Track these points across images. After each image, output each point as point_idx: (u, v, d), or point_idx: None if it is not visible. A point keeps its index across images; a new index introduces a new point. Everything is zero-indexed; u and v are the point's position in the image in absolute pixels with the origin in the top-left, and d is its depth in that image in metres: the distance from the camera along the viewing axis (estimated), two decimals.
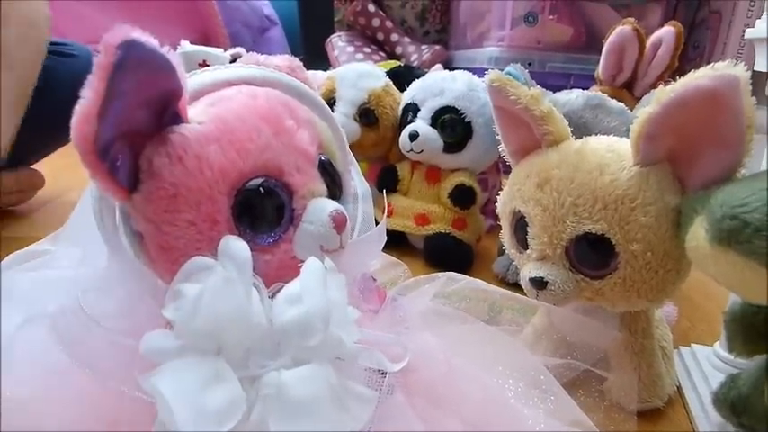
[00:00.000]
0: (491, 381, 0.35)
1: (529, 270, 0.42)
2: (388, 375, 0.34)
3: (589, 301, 0.43)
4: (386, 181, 0.84)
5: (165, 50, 0.29)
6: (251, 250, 0.31)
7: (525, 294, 0.45)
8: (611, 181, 0.39)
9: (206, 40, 1.67)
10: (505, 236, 0.48)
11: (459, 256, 0.78)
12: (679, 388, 0.54)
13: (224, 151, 0.32)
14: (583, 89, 0.73)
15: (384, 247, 0.87)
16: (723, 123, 0.36)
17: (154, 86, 0.30)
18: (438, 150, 0.78)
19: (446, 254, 0.78)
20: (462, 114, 0.76)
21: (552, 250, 0.41)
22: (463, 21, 1.79)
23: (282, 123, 0.35)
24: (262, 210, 0.33)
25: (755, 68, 0.49)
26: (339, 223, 0.34)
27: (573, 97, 0.63)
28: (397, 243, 0.83)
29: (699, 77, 0.35)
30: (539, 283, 0.42)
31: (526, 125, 0.46)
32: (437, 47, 1.85)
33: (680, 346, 0.59)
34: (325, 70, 0.97)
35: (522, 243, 0.44)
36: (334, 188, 0.37)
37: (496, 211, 0.49)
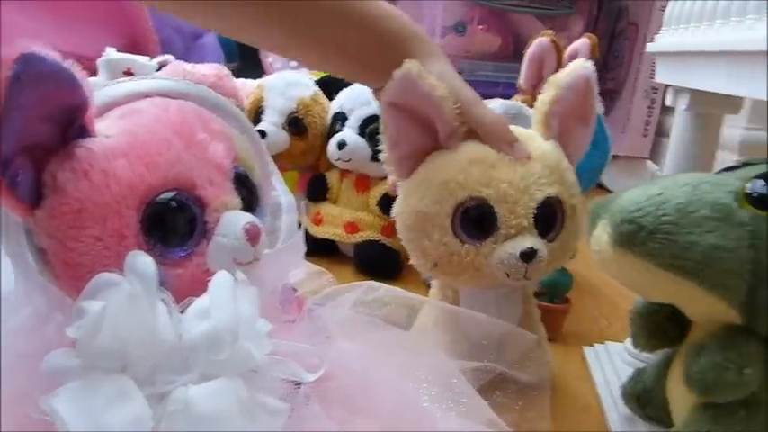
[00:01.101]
0: (406, 386, 0.36)
1: (512, 247, 0.42)
2: (303, 385, 0.34)
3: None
4: (315, 189, 0.84)
5: (67, 64, 0.29)
6: (162, 264, 0.31)
7: None
8: (547, 150, 0.46)
9: (135, 46, 1.61)
10: (440, 238, 0.44)
11: (388, 263, 0.79)
12: (594, 383, 0.56)
13: (132, 165, 0.31)
14: (509, 97, 0.76)
15: (314, 256, 0.87)
16: (587, 103, 0.46)
17: (56, 100, 0.29)
18: (366, 159, 0.78)
19: (376, 261, 0.79)
20: None
21: (528, 221, 0.43)
22: None
23: (195, 136, 0.34)
24: (173, 223, 0.33)
25: (657, 80, 0.52)
26: (252, 236, 0.34)
27: (496, 106, 0.65)
28: (327, 251, 0.84)
29: (576, 67, 0.46)
30: (530, 255, 0.42)
31: (425, 126, 0.45)
32: None
33: (595, 344, 0.62)
34: (260, 78, 0.96)
35: (479, 231, 0.43)
36: (251, 200, 0.37)
37: (399, 224, 0.48)
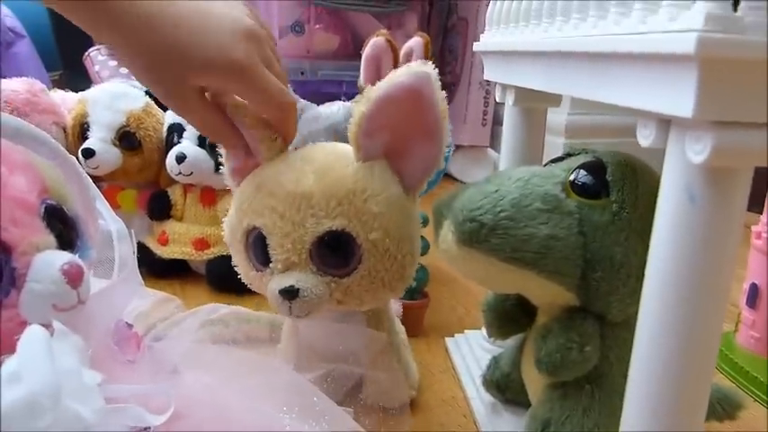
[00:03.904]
0: (265, 411, 0.34)
1: (276, 283, 0.40)
2: (152, 430, 0.31)
3: (339, 306, 0.43)
4: (157, 207, 0.79)
5: None
6: None
7: None
8: (339, 177, 0.40)
9: None
10: (239, 262, 0.45)
11: None
12: (456, 374, 0.58)
13: None
14: (357, 95, 0.76)
15: (164, 278, 0.81)
16: (422, 115, 0.40)
17: None
18: (209, 171, 0.75)
19: (230, 277, 0.75)
20: None
21: (297, 256, 0.40)
22: None
23: None
24: None
25: (484, 77, 0.54)
26: (73, 277, 0.30)
27: (335, 110, 0.65)
28: (177, 271, 0.79)
29: (399, 75, 0.39)
30: (290, 293, 0.40)
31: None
32: None
33: (455, 334, 0.64)
34: (89, 87, 0.88)
35: (262, 260, 0.42)
36: (69, 236, 0.33)
37: (224, 239, 0.46)
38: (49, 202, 0.33)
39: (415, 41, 0.86)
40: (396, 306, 0.63)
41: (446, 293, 0.78)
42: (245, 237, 0.43)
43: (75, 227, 0.35)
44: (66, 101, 0.86)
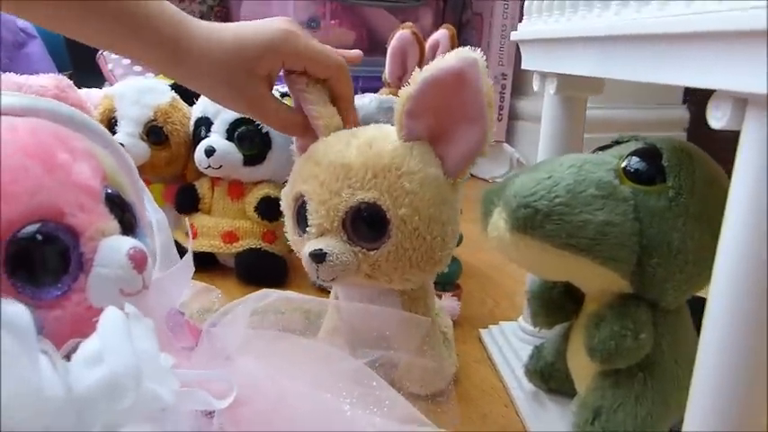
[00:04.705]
0: (324, 396, 0.34)
1: (308, 246, 0.42)
2: (216, 414, 0.31)
3: (369, 281, 0.44)
4: (185, 201, 0.79)
5: None
6: (36, 308, 0.27)
7: None
8: (379, 152, 0.42)
9: None
10: (288, 228, 0.48)
11: (273, 269, 0.76)
12: (494, 364, 0.58)
13: None
14: (372, 91, 0.76)
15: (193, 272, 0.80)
16: (467, 99, 0.40)
17: None
18: (237, 164, 0.75)
19: (259, 269, 0.76)
20: (259, 125, 0.74)
21: (330, 223, 0.42)
22: None
23: (55, 158, 0.30)
24: (41, 260, 0.28)
25: (522, 67, 0.53)
26: (139, 262, 0.30)
27: (367, 102, 0.64)
28: (206, 264, 0.79)
29: (446, 60, 0.40)
30: (318, 257, 0.42)
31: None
32: None
33: (489, 326, 0.64)
34: (100, 87, 0.88)
35: (303, 226, 0.44)
36: (127, 222, 0.34)
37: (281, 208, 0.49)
38: (109, 189, 0.33)
39: (442, 34, 0.86)
40: (452, 304, 0.64)
41: (475, 286, 0.78)
42: (293, 202, 0.46)
43: (133, 214, 0.35)
44: (91, 97, 0.86)
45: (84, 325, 0.29)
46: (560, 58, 0.46)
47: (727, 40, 0.26)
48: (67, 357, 0.25)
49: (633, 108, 1.36)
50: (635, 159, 0.39)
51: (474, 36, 1.58)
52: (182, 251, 0.82)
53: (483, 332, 0.63)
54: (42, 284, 0.28)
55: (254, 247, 0.76)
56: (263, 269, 0.76)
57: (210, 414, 0.31)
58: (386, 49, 0.87)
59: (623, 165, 0.39)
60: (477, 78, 0.39)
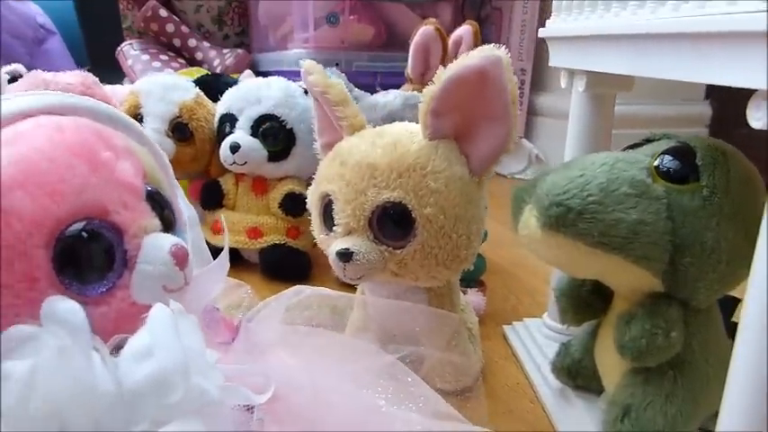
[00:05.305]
0: (360, 392, 0.35)
1: (336, 245, 0.43)
2: (256, 409, 0.32)
3: (395, 279, 0.45)
4: (210, 197, 0.80)
5: None
6: (83, 304, 0.27)
7: None
8: (404, 152, 0.42)
9: None
10: (315, 226, 0.48)
11: (297, 265, 0.77)
12: (519, 361, 0.58)
13: (33, 197, 0.27)
14: (391, 87, 0.76)
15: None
16: (492, 97, 0.40)
17: None
18: (262, 160, 0.75)
19: (284, 265, 0.76)
20: (283, 121, 0.75)
21: (356, 222, 0.42)
22: (263, 23, 1.76)
23: (98, 156, 0.31)
24: (88, 257, 0.29)
25: (550, 64, 0.53)
26: (181, 259, 0.31)
27: (392, 98, 0.65)
28: (230, 260, 0.79)
29: (470, 58, 0.40)
30: (345, 256, 0.42)
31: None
32: (240, 50, 1.80)
33: (513, 322, 0.64)
34: (119, 83, 0.89)
35: (330, 225, 0.45)
36: (167, 219, 0.34)
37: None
38: (150, 186, 0.34)
39: (465, 29, 0.86)
40: (478, 300, 0.64)
41: (497, 283, 0.78)
42: (319, 202, 0.46)
43: (172, 210, 0.35)
44: (116, 93, 0.87)
45: (127, 321, 0.30)
46: (591, 55, 0.46)
47: None
48: (112, 353, 0.26)
49: (655, 104, 1.35)
50: (668, 158, 0.39)
51: (493, 31, 1.57)
52: (208, 247, 0.82)
53: (507, 329, 0.64)
54: (88, 281, 0.29)
55: (278, 242, 0.77)
56: (288, 264, 0.77)
57: (250, 409, 0.32)
58: (404, 44, 0.88)
59: (656, 163, 0.39)
60: (501, 76, 0.39)
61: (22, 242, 0.26)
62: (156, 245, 0.31)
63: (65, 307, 0.24)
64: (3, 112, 0.31)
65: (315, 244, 0.82)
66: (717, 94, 1.42)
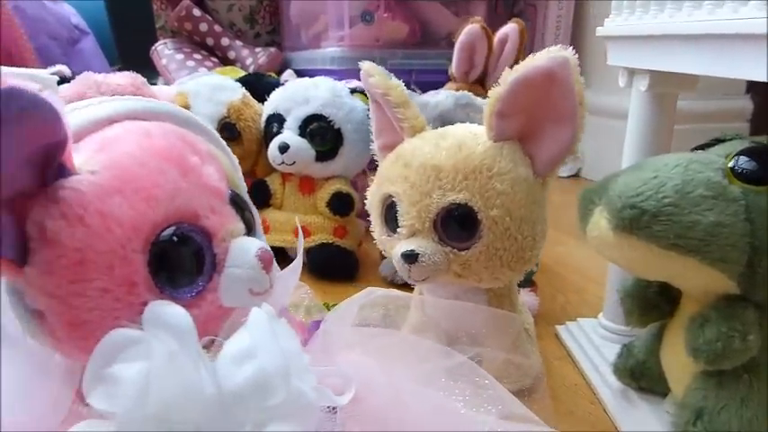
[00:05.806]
0: (438, 394, 0.35)
1: (400, 247, 0.43)
2: (339, 410, 0.32)
3: (458, 279, 0.44)
4: (258, 196, 0.81)
5: (45, 94, 0.25)
6: None
7: None
8: (469, 154, 0.42)
9: (9, 58, 1.48)
10: (375, 227, 0.48)
11: (344, 264, 0.78)
12: (575, 361, 0.58)
13: (130, 203, 0.28)
14: (426, 84, 0.76)
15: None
16: (558, 99, 0.40)
17: (38, 140, 0.25)
18: (310, 160, 0.76)
19: (331, 264, 0.77)
20: (331, 121, 0.75)
21: (421, 224, 0.42)
22: (295, 22, 1.77)
23: (187, 161, 0.31)
24: (179, 261, 0.30)
25: (609, 63, 0.53)
26: (267, 262, 0.32)
27: (442, 98, 0.65)
28: (276, 259, 0.80)
29: (537, 59, 0.39)
30: (410, 257, 0.42)
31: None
32: (272, 49, 1.81)
33: (567, 322, 0.64)
34: (152, 82, 0.90)
35: (393, 226, 0.45)
36: (248, 222, 0.35)
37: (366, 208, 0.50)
38: (231, 190, 0.34)
39: (511, 27, 0.86)
40: (532, 300, 0.64)
41: (545, 282, 0.78)
42: (381, 203, 0.46)
43: (251, 213, 0.36)
44: (162, 94, 0.88)
45: (214, 324, 0.31)
46: (656, 54, 0.45)
47: None
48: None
49: (696, 99, 1.33)
50: (743, 159, 0.38)
51: (528, 28, 1.56)
52: None
53: (560, 329, 0.63)
54: (180, 285, 0.29)
55: (325, 242, 0.78)
56: (335, 264, 0.77)
57: (333, 410, 0.32)
58: (439, 41, 0.88)
59: (731, 164, 0.38)
60: (568, 77, 0.39)
61: (122, 247, 0.27)
62: (243, 248, 0.31)
63: (172, 312, 0.25)
64: (90, 118, 0.32)
65: (359, 243, 0.83)
66: (758, 88, 1.39)
